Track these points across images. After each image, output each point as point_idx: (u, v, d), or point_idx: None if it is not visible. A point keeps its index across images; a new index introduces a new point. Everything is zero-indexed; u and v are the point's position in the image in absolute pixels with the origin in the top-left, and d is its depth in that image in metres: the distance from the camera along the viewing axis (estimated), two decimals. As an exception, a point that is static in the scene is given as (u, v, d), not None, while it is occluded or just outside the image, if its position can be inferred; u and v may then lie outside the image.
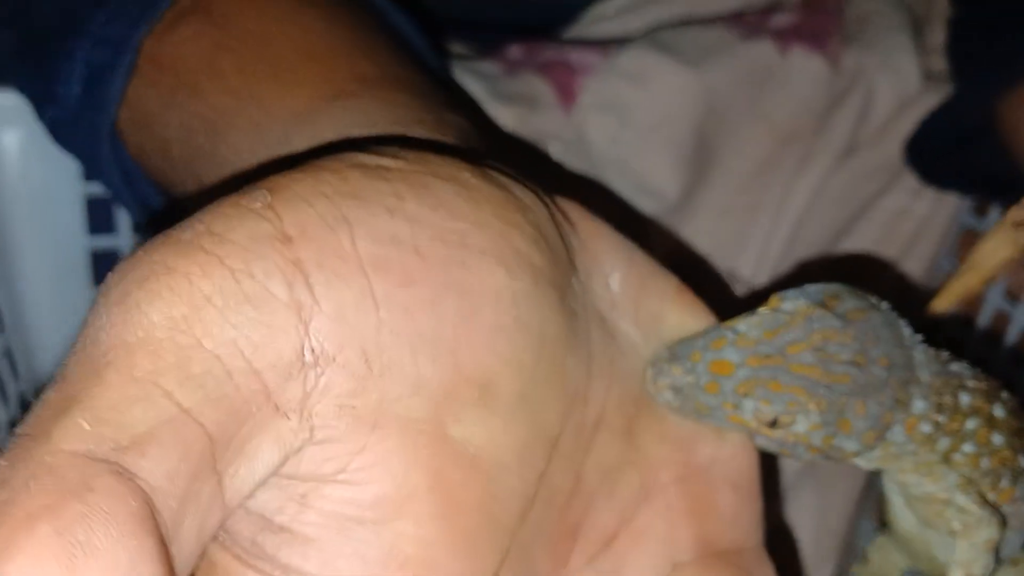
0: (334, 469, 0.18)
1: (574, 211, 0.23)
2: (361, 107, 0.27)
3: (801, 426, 0.23)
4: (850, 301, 0.24)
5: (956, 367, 0.25)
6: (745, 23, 0.49)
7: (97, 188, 0.53)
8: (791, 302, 0.23)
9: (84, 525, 0.14)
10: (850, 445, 0.23)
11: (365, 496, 0.18)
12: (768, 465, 0.25)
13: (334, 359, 0.18)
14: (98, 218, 0.57)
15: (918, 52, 0.49)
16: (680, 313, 0.24)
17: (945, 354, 0.25)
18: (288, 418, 0.17)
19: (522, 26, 0.55)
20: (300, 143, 0.27)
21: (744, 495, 0.24)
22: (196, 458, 0.16)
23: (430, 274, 0.19)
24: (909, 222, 0.47)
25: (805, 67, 0.47)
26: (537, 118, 0.42)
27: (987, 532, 0.26)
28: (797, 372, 0.22)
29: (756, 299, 0.24)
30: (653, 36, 0.46)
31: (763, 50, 0.46)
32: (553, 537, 0.21)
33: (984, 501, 0.26)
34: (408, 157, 0.20)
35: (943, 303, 0.37)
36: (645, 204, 0.43)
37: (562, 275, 0.21)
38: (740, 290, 0.44)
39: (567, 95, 0.43)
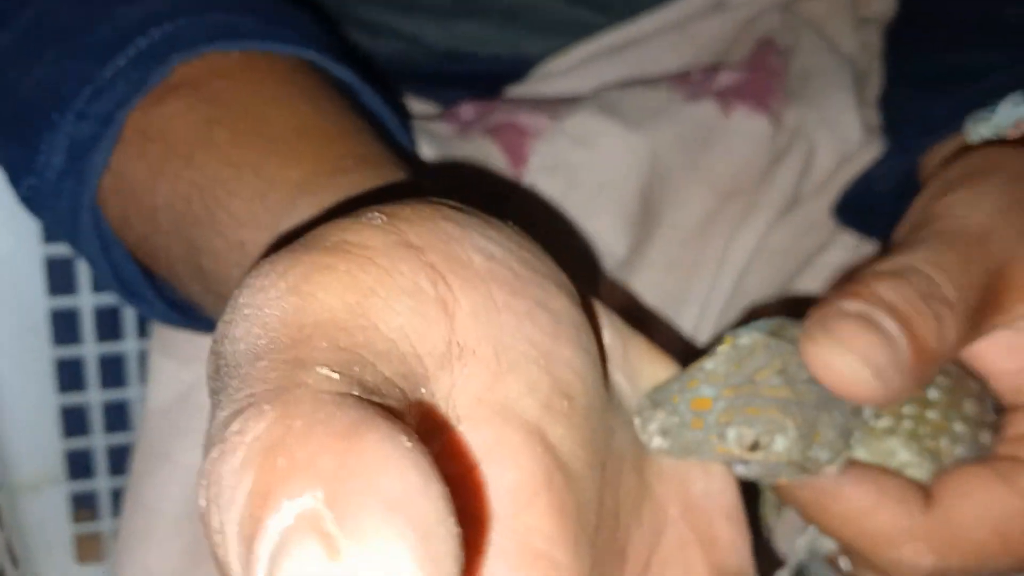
0: (475, 460, 0.20)
1: None
2: (359, 182, 0.29)
3: (780, 444, 0.25)
4: (793, 329, 0.26)
5: None
6: (690, 83, 0.50)
7: (57, 249, 0.53)
8: (745, 337, 0.25)
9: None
10: (824, 455, 0.25)
11: (502, 484, 0.20)
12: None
13: (474, 353, 0.19)
14: (58, 279, 0.57)
15: (859, 107, 0.51)
16: (652, 365, 0.26)
17: None
18: (439, 406, 0.19)
19: (474, 81, 0.56)
20: (306, 211, 0.28)
21: (736, 524, 0.26)
22: None
23: (527, 289, 0.21)
24: (849, 276, 0.49)
25: (748, 126, 0.48)
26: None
27: (912, 472, 0.28)
28: (769, 395, 0.24)
29: (706, 348, 0.26)
30: (600, 98, 0.48)
31: (707, 111, 0.48)
32: (611, 556, 0.23)
33: (923, 450, 0.28)
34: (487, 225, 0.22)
35: None
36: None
37: (582, 312, 0.23)
38: (680, 345, 0.46)
39: (518, 158, 0.45)
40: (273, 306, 0.18)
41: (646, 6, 0.57)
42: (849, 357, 0.24)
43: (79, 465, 0.71)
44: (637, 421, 0.25)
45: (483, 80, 0.57)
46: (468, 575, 0.19)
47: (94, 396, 0.67)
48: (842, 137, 0.49)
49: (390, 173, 0.30)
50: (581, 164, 0.45)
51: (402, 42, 0.57)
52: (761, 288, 0.47)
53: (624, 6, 0.57)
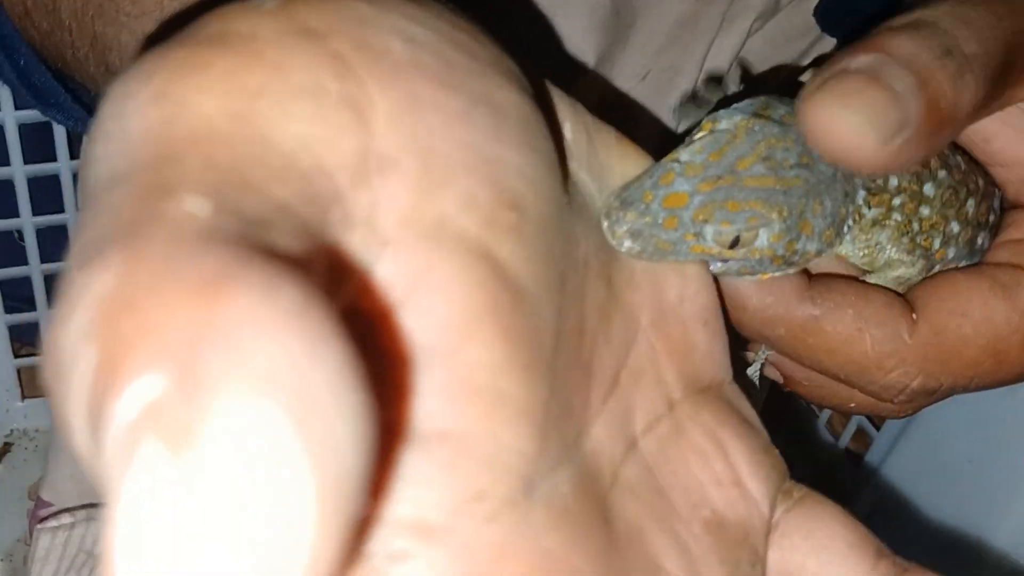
0: (405, 290, 0.16)
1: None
2: None
3: (764, 239, 0.22)
4: (781, 107, 0.23)
5: None
6: None
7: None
8: (727, 120, 0.22)
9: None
10: (812, 246, 0.23)
11: (435, 321, 0.17)
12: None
13: (397, 163, 0.16)
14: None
15: None
16: (622, 161, 0.22)
17: None
18: (358, 230, 0.16)
19: None
20: None
21: (713, 330, 0.23)
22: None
23: (462, 81, 0.17)
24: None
25: None
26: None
27: (903, 271, 0.27)
28: (752, 186, 0.22)
29: (685, 135, 0.23)
30: None
31: None
32: (575, 374, 0.20)
33: (914, 247, 0.27)
34: None
35: None
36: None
37: (535, 97, 0.19)
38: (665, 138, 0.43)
39: None
40: (136, 117, 0.15)
41: None
42: (851, 115, 0.21)
43: (18, 297, 0.68)
44: (605, 223, 0.22)
45: None
46: (393, 414, 0.16)
47: (27, 220, 0.64)
48: None
49: None
50: (549, -40, 0.41)
51: None
52: (740, 97, 0.44)
53: None
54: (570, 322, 0.20)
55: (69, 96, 0.35)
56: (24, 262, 0.65)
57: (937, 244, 0.27)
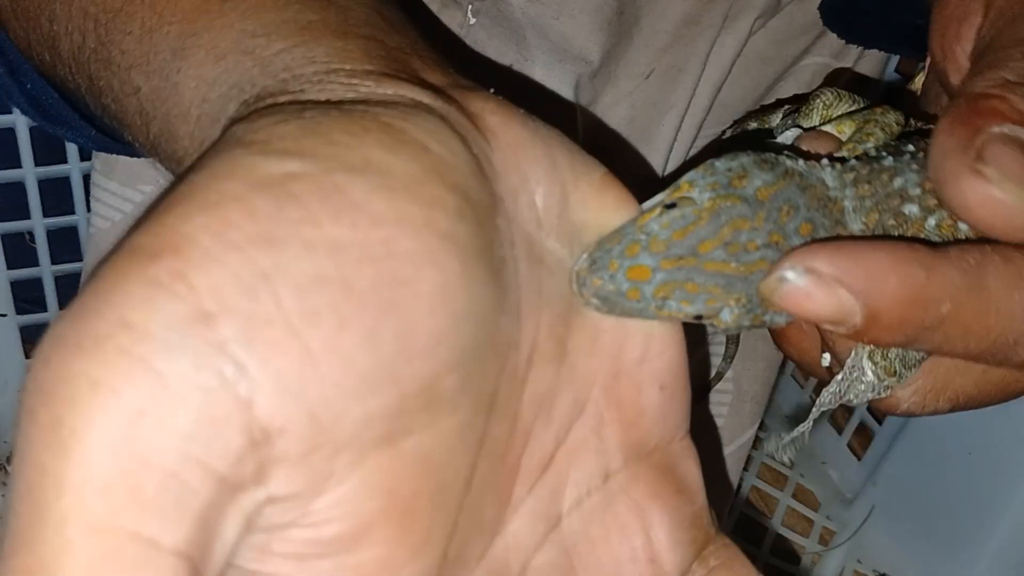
0: (293, 517, 0.18)
1: (493, 115, 0.21)
2: (254, 11, 0.24)
3: (726, 316, 0.23)
4: (759, 176, 0.23)
5: (897, 182, 0.25)
6: None
7: None
8: (699, 190, 0.22)
9: None
10: (780, 318, 0.23)
11: (325, 535, 0.18)
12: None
13: (283, 431, 0.17)
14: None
15: None
16: (600, 213, 0.23)
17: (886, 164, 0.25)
18: (246, 491, 0.17)
19: None
20: (195, 55, 0.24)
21: (670, 391, 0.24)
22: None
23: (364, 307, 0.18)
24: (833, 80, 0.47)
25: None
26: (455, -18, 0.40)
27: None
28: (711, 270, 0.22)
29: (671, 177, 0.23)
30: None
31: None
32: (498, 484, 0.21)
33: None
34: (312, 148, 0.18)
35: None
36: (567, 68, 0.42)
37: (488, 229, 0.20)
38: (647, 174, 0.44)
39: None
40: (32, 447, 0.16)
41: None
42: (1016, 188, 0.21)
43: (29, 299, 0.69)
44: (574, 285, 0.22)
45: None
46: None
47: (38, 222, 0.64)
48: None
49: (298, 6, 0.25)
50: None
51: None
52: (743, 95, 0.45)
53: None
54: (496, 437, 0.21)
55: (77, 114, 0.36)
56: (35, 263, 0.66)
57: None
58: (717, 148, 0.40)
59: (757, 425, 0.53)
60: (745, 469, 0.66)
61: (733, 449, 0.51)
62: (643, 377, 0.23)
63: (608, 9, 0.43)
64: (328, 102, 0.20)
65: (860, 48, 0.46)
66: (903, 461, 0.63)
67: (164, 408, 0.16)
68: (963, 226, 0.25)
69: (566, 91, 0.42)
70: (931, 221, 0.25)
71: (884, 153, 0.26)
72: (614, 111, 0.44)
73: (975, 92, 0.23)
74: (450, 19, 0.40)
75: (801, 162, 0.24)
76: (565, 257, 0.22)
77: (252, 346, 0.17)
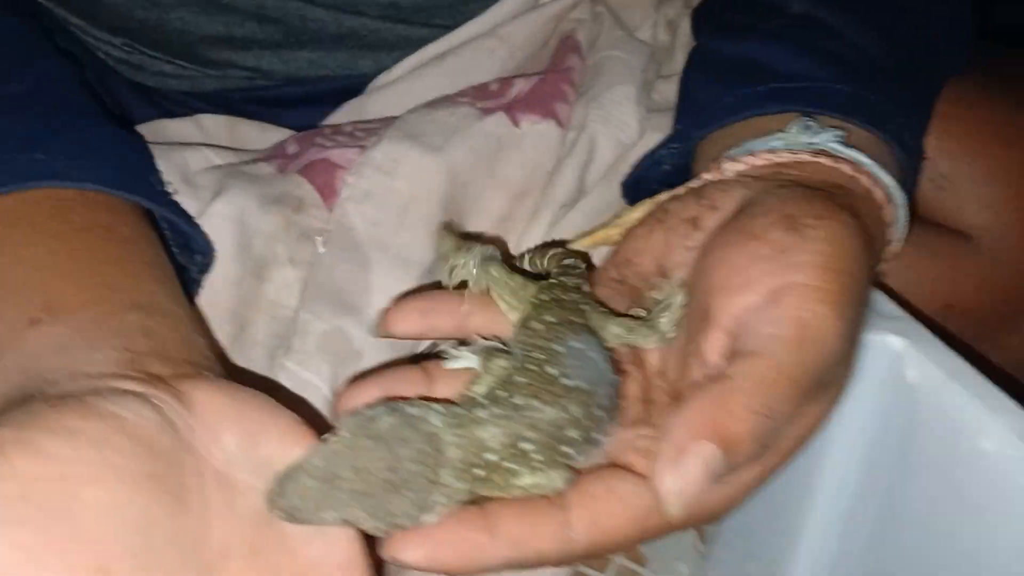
0: None
1: (197, 391, 0.33)
2: (48, 334, 0.35)
3: (362, 523, 0.34)
4: (386, 420, 0.34)
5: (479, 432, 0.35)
6: (486, 96, 0.58)
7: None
8: (346, 430, 0.34)
9: None
10: (408, 521, 0.34)
11: None
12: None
13: None
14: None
15: (639, 100, 0.59)
16: (286, 450, 0.34)
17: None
18: None
19: (316, 100, 0.64)
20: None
21: (350, 571, 0.34)
22: None
23: (41, 514, 0.28)
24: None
25: (535, 132, 0.56)
26: (302, 217, 0.52)
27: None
28: (348, 490, 0.33)
29: None
30: (404, 123, 0.55)
31: (498, 124, 0.56)
32: None
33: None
34: (20, 420, 0.29)
35: (586, 242, 0.49)
36: (407, 274, 0.52)
37: (167, 465, 0.31)
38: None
39: (329, 192, 0.52)
40: None
41: (469, 16, 0.64)
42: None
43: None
44: (266, 504, 0.33)
45: (325, 98, 0.65)
46: None
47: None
48: (620, 128, 0.57)
49: (85, 316, 0.35)
50: (387, 190, 0.53)
51: (246, 73, 0.64)
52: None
53: (448, 17, 0.64)
54: None
55: None
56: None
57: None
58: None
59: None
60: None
61: None
62: (327, 566, 0.34)
63: (436, 217, 0.53)
64: (60, 395, 0.31)
65: None
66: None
67: None
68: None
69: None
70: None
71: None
72: None
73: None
74: (302, 251, 0.51)
75: (416, 409, 0.35)
76: (256, 483, 0.33)
77: None
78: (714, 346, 0.38)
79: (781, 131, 0.44)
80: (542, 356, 0.38)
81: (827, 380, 0.38)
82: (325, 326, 0.50)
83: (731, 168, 0.44)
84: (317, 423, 0.35)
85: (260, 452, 0.34)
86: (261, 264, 0.50)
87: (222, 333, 0.50)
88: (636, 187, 0.56)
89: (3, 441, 0.29)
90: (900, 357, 0.43)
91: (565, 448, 0.37)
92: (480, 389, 0.38)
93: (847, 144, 0.44)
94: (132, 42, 0.63)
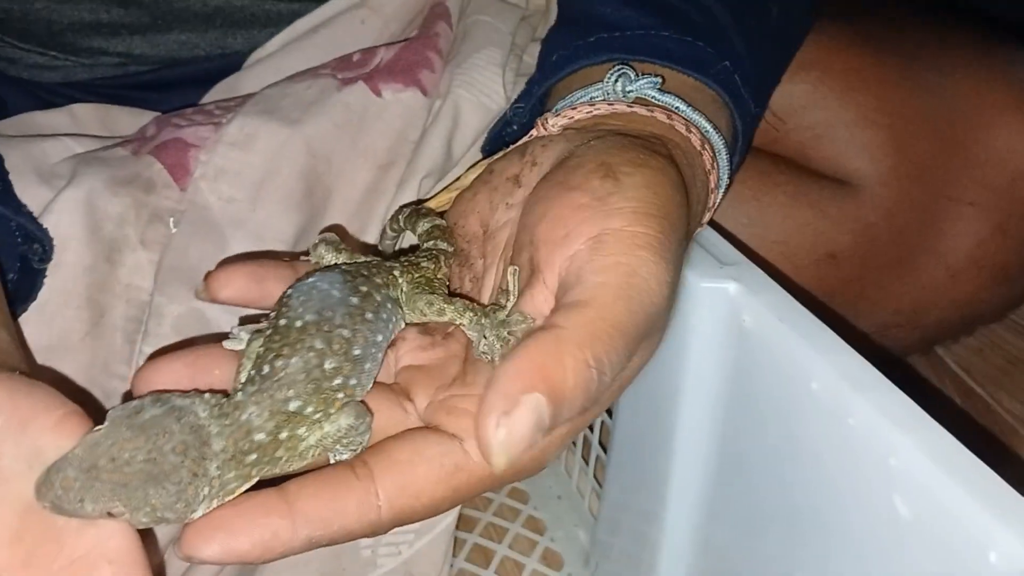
0: None
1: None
2: None
3: (125, 516, 0.32)
4: (150, 411, 0.34)
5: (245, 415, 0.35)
6: (351, 65, 0.58)
7: None
8: (108, 419, 0.33)
9: None
10: (170, 515, 0.33)
11: None
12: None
13: None
14: None
15: (503, 63, 0.58)
16: (58, 439, 0.33)
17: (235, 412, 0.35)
18: None
19: (192, 81, 0.64)
20: None
21: (121, 565, 0.33)
22: None
23: None
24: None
25: (399, 102, 0.56)
26: (154, 198, 0.51)
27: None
28: (108, 481, 0.32)
29: None
30: (261, 97, 0.55)
31: (359, 95, 0.55)
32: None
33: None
34: None
35: (434, 203, 0.49)
36: (267, 250, 0.52)
37: None
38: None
39: (182, 172, 0.52)
40: None
41: None
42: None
43: None
44: (36, 494, 0.32)
45: (201, 79, 0.64)
46: None
47: None
48: (485, 94, 0.57)
49: None
50: (242, 166, 0.52)
51: (117, 60, 0.64)
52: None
53: None
54: None
55: None
56: None
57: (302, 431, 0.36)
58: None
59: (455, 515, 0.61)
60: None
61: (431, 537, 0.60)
62: (96, 558, 0.33)
63: (296, 191, 0.53)
64: None
65: None
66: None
67: None
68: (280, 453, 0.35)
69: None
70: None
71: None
72: None
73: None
74: (153, 232, 0.51)
75: (185, 401, 0.34)
76: (24, 470, 0.33)
77: None
78: (542, 300, 0.38)
79: (600, 82, 0.44)
80: (276, 314, 0.38)
81: (651, 329, 0.38)
82: (180, 308, 0.50)
83: (555, 123, 0.43)
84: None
85: (30, 441, 0.33)
86: (112, 248, 0.50)
87: (79, 320, 0.49)
88: (492, 150, 0.56)
89: None
90: (735, 303, 0.42)
91: (332, 383, 0.36)
92: (243, 376, 0.37)
93: (663, 91, 0.44)
94: (1, 35, 0.63)
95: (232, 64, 0.64)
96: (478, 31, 0.60)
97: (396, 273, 0.41)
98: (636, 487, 0.56)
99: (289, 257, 0.45)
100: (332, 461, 0.36)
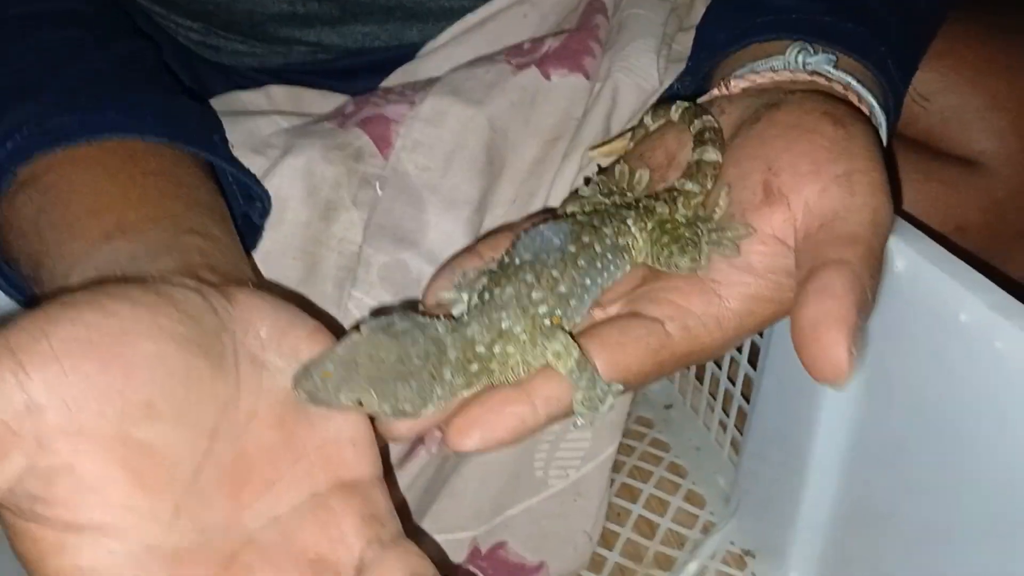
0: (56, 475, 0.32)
1: (240, 292, 0.38)
2: (120, 247, 0.42)
3: (373, 405, 0.38)
4: (400, 324, 0.39)
5: (472, 330, 0.40)
6: (521, 54, 0.65)
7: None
8: (366, 328, 0.39)
9: None
10: (408, 407, 0.38)
11: (78, 483, 0.32)
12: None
13: (43, 410, 0.32)
14: None
15: (658, 50, 0.64)
16: (311, 346, 0.39)
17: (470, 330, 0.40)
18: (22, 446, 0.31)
19: (372, 69, 0.71)
20: (76, 277, 0.42)
21: (360, 447, 0.39)
22: None
23: (101, 354, 0.33)
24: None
25: (565, 85, 0.63)
26: (362, 166, 0.59)
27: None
28: (364, 375, 0.38)
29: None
30: (448, 81, 0.62)
31: (531, 78, 0.63)
32: (223, 483, 0.36)
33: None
34: (98, 295, 0.34)
35: (603, 150, 0.55)
36: (457, 212, 0.59)
37: (208, 335, 0.36)
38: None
39: (384, 144, 0.60)
40: None
41: None
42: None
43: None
44: (292, 385, 0.37)
45: (379, 67, 0.72)
46: None
47: None
48: (641, 77, 0.63)
49: (150, 234, 0.43)
50: (435, 140, 0.60)
51: (308, 48, 0.72)
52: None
53: None
54: (220, 454, 0.35)
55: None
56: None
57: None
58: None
59: (616, 444, 0.68)
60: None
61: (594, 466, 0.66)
62: (341, 438, 0.39)
63: (480, 161, 0.60)
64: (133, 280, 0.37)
65: None
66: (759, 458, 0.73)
67: None
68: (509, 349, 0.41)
69: (458, 226, 0.60)
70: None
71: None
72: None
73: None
74: (362, 194, 0.59)
75: (427, 320, 0.40)
76: (284, 367, 0.38)
77: (29, 353, 0.31)
78: (779, 222, 0.43)
79: (780, 55, 0.50)
80: (503, 255, 0.43)
81: None
82: (386, 258, 0.57)
83: (737, 85, 0.49)
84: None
85: (289, 344, 0.39)
86: (328, 207, 0.58)
87: (295, 269, 0.57)
88: None
89: (78, 299, 0.34)
90: (889, 250, 0.48)
91: (538, 310, 0.41)
92: (463, 307, 0.43)
93: (837, 67, 0.50)
94: (208, 25, 0.71)
95: (406, 54, 0.72)
96: (633, 23, 0.67)
97: (629, 222, 0.45)
98: (781, 430, 0.61)
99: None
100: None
